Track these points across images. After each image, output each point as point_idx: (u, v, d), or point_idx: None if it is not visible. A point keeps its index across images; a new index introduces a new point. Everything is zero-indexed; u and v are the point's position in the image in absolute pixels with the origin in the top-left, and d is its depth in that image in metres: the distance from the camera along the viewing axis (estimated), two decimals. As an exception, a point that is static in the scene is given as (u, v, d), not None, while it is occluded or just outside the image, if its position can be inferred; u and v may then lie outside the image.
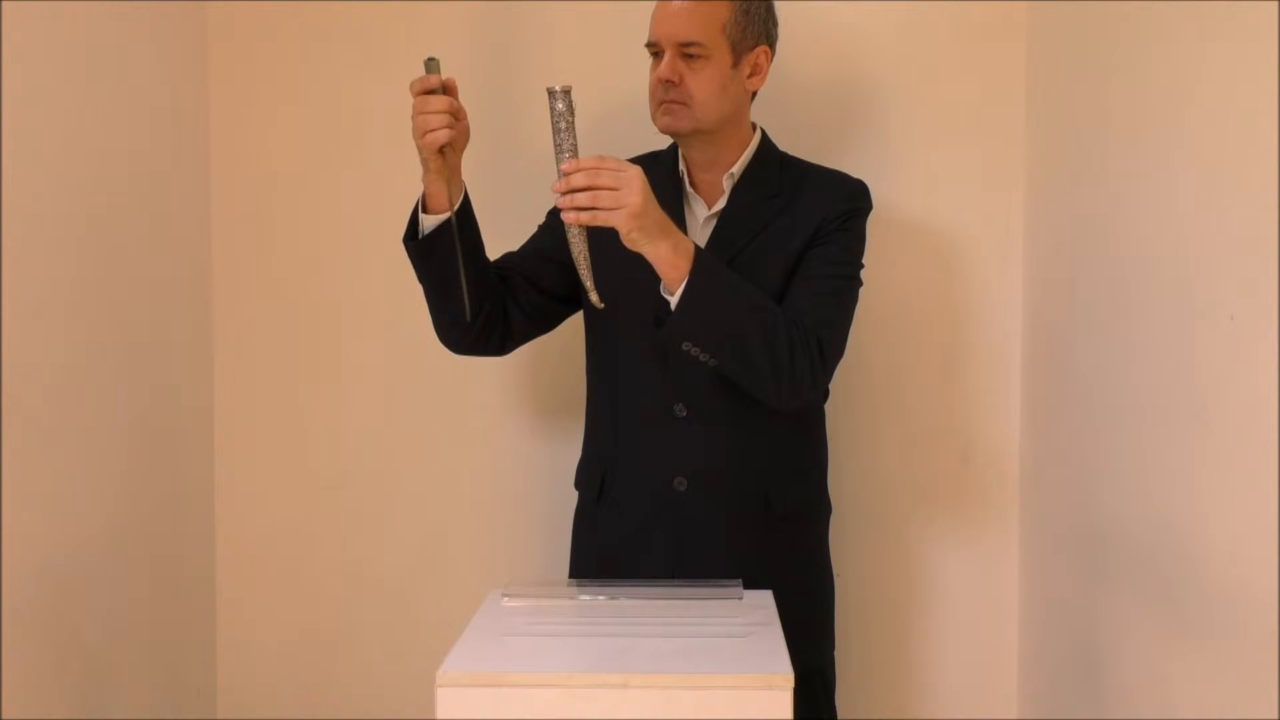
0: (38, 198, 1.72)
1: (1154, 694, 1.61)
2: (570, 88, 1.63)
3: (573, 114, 1.62)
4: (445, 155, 1.69)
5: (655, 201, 1.62)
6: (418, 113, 1.65)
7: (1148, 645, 1.63)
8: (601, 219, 1.59)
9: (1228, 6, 1.41)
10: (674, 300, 1.65)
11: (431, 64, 1.66)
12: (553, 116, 1.62)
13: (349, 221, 2.23)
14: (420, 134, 1.66)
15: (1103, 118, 1.81)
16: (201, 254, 2.23)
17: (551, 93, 1.62)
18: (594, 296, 1.69)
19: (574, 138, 1.62)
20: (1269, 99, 1.30)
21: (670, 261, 1.64)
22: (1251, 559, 1.34)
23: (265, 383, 2.26)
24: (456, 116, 1.67)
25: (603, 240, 1.87)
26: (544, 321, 1.92)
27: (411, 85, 1.66)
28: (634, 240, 1.61)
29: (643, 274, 1.83)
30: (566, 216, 1.60)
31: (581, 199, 1.58)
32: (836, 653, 1.98)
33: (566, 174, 1.59)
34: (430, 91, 1.65)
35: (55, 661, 1.77)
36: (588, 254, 1.66)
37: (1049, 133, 2.06)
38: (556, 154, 1.62)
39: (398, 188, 2.13)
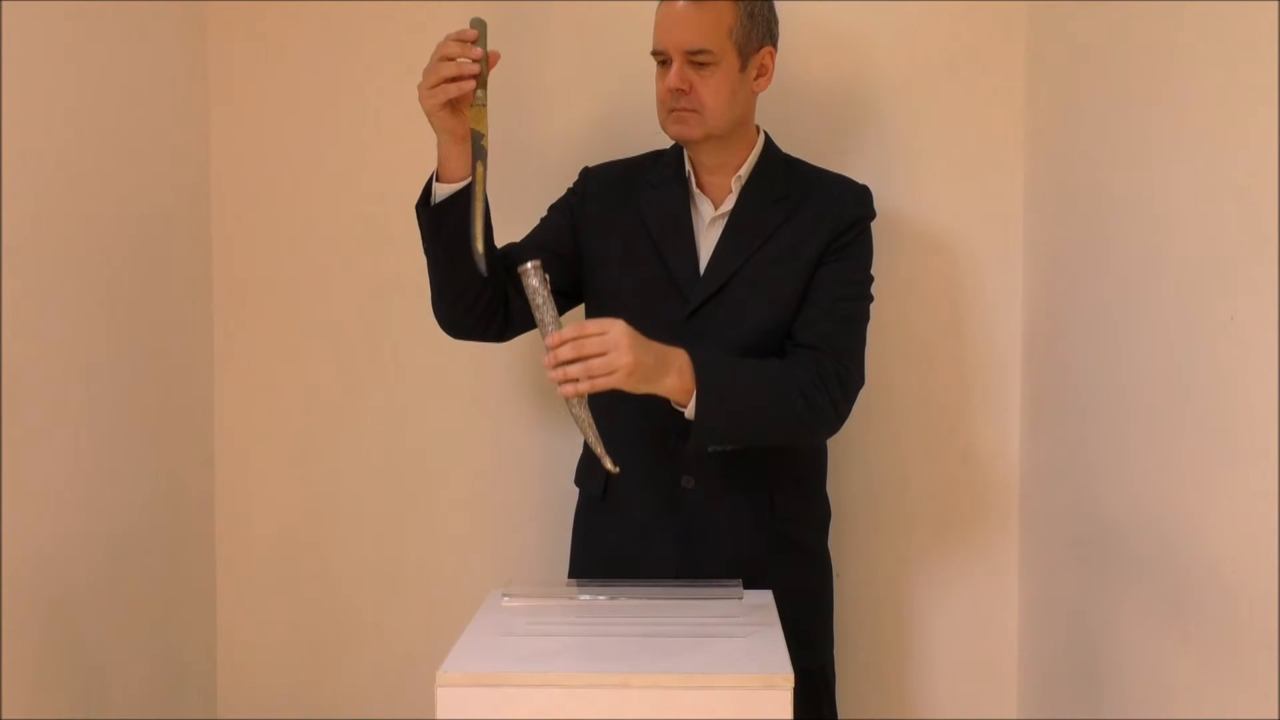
0: (37, 197, 1.72)
1: (1154, 694, 1.61)
2: (540, 262, 1.63)
3: (547, 287, 1.63)
4: (457, 114, 1.64)
5: (646, 345, 1.61)
6: (436, 59, 1.61)
7: (1148, 645, 1.63)
8: (600, 385, 1.59)
9: (1228, 6, 1.41)
10: (688, 411, 1.66)
11: (477, 23, 1.62)
12: (528, 293, 1.63)
13: (349, 220, 2.23)
14: (429, 83, 1.60)
15: (1103, 118, 1.81)
16: (201, 254, 2.23)
17: (523, 272, 1.63)
18: (607, 463, 1.67)
19: (554, 310, 1.63)
20: (1269, 98, 1.30)
21: (676, 389, 1.65)
22: (1251, 559, 1.34)
23: (265, 382, 2.26)
24: (481, 82, 1.62)
25: (602, 242, 1.87)
26: None
27: (447, 35, 1.61)
28: (637, 389, 1.62)
29: (646, 274, 1.84)
30: (564, 390, 1.59)
31: (574, 370, 1.58)
32: (836, 653, 1.98)
33: (552, 348, 1.59)
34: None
35: (55, 661, 1.77)
36: (591, 420, 1.65)
37: (1049, 132, 2.06)
38: (540, 328, 1.63)
39: (398, 187, 2.13)
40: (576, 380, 1.58)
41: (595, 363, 1.57)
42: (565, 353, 1.58)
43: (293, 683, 2.27)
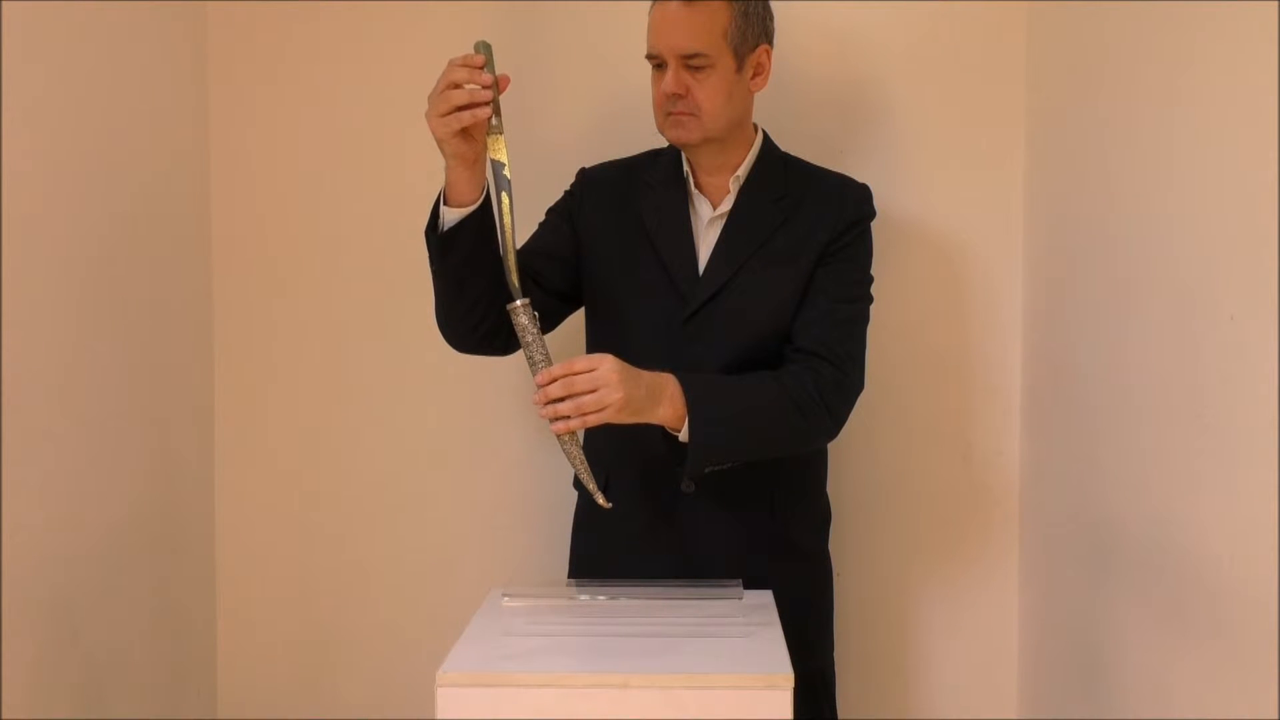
0: (38, 198, 1.72)
1: (1154, 694, 1.61)
2: (529, 301, 1.63)
3: (537, 325, 1.63)
4: (469, 139, 1.60)
5: (636, 378, 1.61)
6: (443, 87, 1.57)
7: (1148, 645, 1.63)
8: (591, 421, 1.59)
9: (1227, 6, 1.41)
10: (682, 435, 1.67)
11: (482, 46, 1.59)
12: (517, 331, 1.63)
13: (349, 221, 2.23)
14: (439, 111, 1.57)
15: (1102, 117, 1.81)
16: (201, 254, 2.23)
17: (512, 309, 1.63)
18: (600, 499, 1.68)
19: (544, 347, 1.63)
20: (1269, 98, 1.30)
21: (669, 417, 1.65)
22: (1251, 559, 1.34)
23: (265, 383, 2.26)
24: (495, 108, 1.58)
25: (601, 243, 1.87)
26: (547, 320, 1.91)
27: (452, 60, 1.58)
28: (629, 421, 1.62)
29: (645, 275, 1.84)
30: (555, 428, 1.60)
31: (564, 408, 1.58)
32: (836, 653, 1.97)
33: (542, 386, 1.59)
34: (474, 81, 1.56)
35: (55, 661, 1.77)
36: (583, 457, 1.65)
37: (1049, 132, 2.06)
38: (530, 366, 1.63)
39: (398, 188, 2.13)
40: (568, 418, 1.58)
41: (586, 400, 1.58)
42: (555, 390, 1.58)
43: (293, 683, 2.27)
